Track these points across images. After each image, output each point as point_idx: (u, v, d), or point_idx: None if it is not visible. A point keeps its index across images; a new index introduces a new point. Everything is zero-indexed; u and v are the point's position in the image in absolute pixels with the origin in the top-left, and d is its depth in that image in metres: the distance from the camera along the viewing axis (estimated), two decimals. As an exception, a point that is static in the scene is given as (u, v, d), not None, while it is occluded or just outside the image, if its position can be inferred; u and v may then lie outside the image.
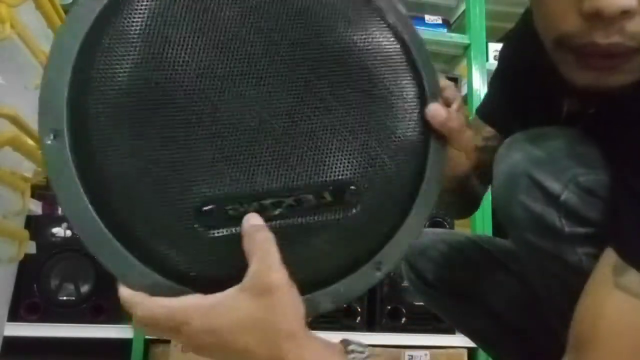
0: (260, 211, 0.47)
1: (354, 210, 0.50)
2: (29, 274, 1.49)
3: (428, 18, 1.93)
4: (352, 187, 0.50)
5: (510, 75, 0.80)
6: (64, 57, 0.45)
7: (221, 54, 0.47)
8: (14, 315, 1.44)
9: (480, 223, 1.69)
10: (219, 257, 0.46)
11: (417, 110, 0.53)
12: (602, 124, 0.61)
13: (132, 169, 0.44)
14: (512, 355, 0.85)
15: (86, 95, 0.44)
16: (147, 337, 1.54)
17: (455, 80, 1.86)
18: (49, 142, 0.44)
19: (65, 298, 1.54)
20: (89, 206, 0.44)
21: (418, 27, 2.09)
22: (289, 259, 0.45)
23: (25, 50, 0.70)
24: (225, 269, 0.45)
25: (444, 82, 0.58)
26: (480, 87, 1.82)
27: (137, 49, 0.45)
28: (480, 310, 0.84)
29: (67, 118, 0.44)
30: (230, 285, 0.44)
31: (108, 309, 1.55)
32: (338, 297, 0.50)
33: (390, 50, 0.53)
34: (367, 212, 0.50)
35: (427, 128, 0.54)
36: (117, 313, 1.60)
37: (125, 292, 0.46)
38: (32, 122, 0.72)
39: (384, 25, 0.53)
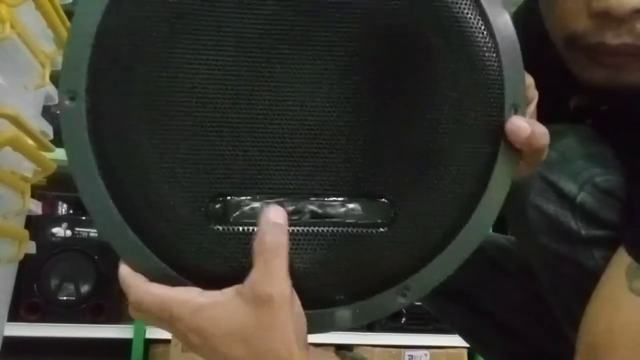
0: None
1: (383, 229, 0.44)
2: (29, 274, 1.49)
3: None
4: (386, 203, 0.44)
5: None
6: (88, 19, 0.43)
7: (263, 32, 0.42)
8: (14, 315, 1.44)
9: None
10: (227, 254, 0.42)
11: (489, 122, 0.44)
12: (614, 121, 0.60)
13: (147, 146, 0.42)
14: (503, 355, 0.84)
15: (108, 62, 0.42)
16: (147, 337, 1.55)
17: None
18: (66, 103, 0.42)
19: (65, 298, 1.55)
20: (98, 174, 0.43)
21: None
22: (303, 268, 0.43)
23: (25, 50, 0.70)
24: (232, 267, 0.42)
25: (528, 79, 0.49)
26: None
27: (164, 20, 0.42)
28: (472, 309, 0.83)
29: (87, 82, 0.42)
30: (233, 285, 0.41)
31: (108, 309, 1.55)
32: (354, 317, 0.45)
33: (474, 43, 0.44)
34: (400, 233, 0.44)
35: (500, 140, 0.44)
36: (117, 313, 1.60)
37: (124, 271, 0.42)
38: (32, 122, 0.72)
39: (475, 12, 0.44)
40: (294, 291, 0.41)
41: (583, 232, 0.55)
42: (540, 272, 0.62)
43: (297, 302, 0.41)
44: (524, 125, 0.43)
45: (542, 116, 0.63)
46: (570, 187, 0.55)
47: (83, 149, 0.43)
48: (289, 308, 0.39)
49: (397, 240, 0.44)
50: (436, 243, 0.45)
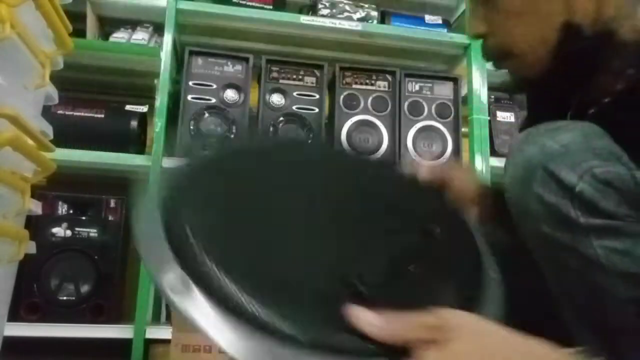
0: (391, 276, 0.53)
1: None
2: (29, 274, 1.49)
3: (428, 18, 1.92)
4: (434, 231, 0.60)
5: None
6: (153, 216, 0.50)
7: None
8: (14, 315, 1.44)
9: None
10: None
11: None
12: (608, 120, 0.62)
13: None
14: None
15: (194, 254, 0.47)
16: (147, 337, 1.54)
17: (455, 80, 1.86)
18: (172, 296, 0.44)
19: (65, 298, 1.54)
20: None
21: (418, 27, 2.05)
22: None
23: (25, 50, 0.70)
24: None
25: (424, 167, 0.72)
26: (480, 87, 1.82)
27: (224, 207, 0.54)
28: None
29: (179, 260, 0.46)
30: None
31: (108, 309, 1.55)
32: None
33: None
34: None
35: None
36: (117, 313, 1.60)
37: None
38: (32, 122, 0.72)
39: None
40: (461, 319, 0.47)
41: (582, 220, 0.57)
42: (543, 264, 0.64)
43: (476, 322, 0.48)
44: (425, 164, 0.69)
45: (549, 117, 0.65)
46: (570, 177, 0.57)
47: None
48: (467, 335, 0.45)
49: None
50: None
